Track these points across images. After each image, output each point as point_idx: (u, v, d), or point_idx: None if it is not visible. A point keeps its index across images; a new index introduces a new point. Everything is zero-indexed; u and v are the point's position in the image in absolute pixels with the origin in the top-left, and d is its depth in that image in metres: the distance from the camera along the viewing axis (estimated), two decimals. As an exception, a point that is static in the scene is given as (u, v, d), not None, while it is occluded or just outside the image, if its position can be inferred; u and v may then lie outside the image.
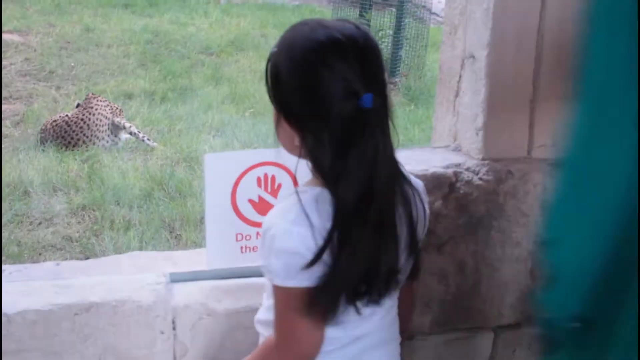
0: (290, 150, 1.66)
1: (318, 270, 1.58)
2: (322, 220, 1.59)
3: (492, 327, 2.48)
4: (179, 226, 4.89)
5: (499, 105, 2.31)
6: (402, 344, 1.87)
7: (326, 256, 1.58)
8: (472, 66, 2.33)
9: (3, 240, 4.64)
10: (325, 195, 1.60)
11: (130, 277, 2.32)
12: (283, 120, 1.63)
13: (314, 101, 1.59)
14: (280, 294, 1.63)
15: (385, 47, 8.72)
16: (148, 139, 6.69)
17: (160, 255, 2.60)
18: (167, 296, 2.23)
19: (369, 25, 8.69)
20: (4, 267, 2.45)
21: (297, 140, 1.62)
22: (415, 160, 2.32)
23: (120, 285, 2.25)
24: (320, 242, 1.58)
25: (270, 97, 1.65)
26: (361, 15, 8.71)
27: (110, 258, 2.60)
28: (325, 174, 1.61)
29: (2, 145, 6.67)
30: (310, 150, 1.61)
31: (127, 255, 2.57)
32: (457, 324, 2.44)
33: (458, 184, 2.29)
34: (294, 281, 1.60)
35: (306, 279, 1.59)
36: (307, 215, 1.58)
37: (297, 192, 1.62)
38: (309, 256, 1.57)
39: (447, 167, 2.30)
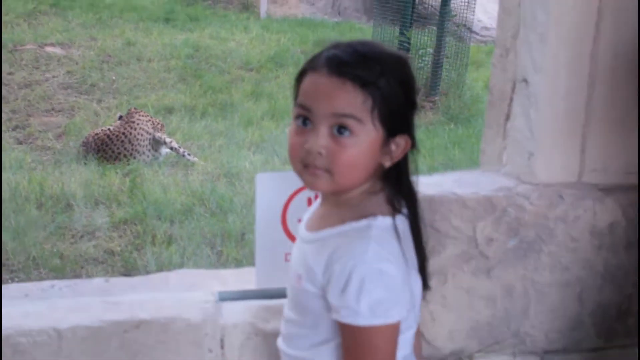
0: (361, 175, 1.65)
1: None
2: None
3: (539, 353, 2.46)
4: (220, 242, 4.90)
5: (550, 129, 2.30)
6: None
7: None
8: (524, 90, 2.33)
9: (46, 253, 4.68)
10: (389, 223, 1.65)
11: (179, 294, 2.33)
12: (379, 141, 1.62)
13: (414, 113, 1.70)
14: (381, 331, 1.63)
15: (425, 65, 8.72)
16: (189, 154, 6.73)
17: (208, 273, 2.62)
18: (216, 315, 2.25)
19: (409, 44, 8.70)
20: (53, 282, 2.48)
21: (385, 161, 1.65)
22: (465, 182, 2.32)
23: (170, 303, 2.27)
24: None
25: (373, 120, 1.60)
26: (401, 34, 8.70)
27: (158, 275, 2.62)
28: (409, 195, 1.68)
29: (45, 158, 6.75)
30: (402, 170, 1.67)
31: (174, 272, 2.58)
32: (505, 348, 2.43)
33: (509, 208, 2.28)
34: (400, 312, 1.64)
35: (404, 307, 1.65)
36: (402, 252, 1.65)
37: (393, 228, 1.66)
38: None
39: (498, 190, 2.29)
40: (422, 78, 8.71)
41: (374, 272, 1.58)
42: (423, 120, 8.10)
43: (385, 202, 1.69)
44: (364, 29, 11.63)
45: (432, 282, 2.14)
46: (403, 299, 1.64)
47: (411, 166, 1.73)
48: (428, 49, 8.70)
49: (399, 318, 1.62)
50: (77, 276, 4.45)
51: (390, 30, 8.94)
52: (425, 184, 2.27)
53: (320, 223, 1.74)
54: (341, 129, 1.59)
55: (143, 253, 4.74)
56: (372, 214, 1.65)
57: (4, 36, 10.18)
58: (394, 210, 1.68)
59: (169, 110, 8.09)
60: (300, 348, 1.78)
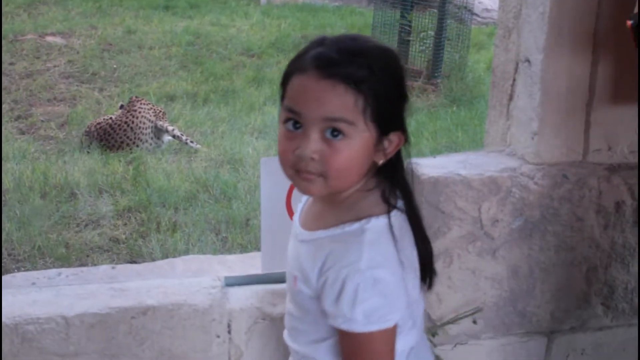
0: (355, 176, 1.63)
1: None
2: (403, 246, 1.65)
3: (545, 332, 2.47)
4: (225, 228, 4.90)
5: (554, 109, 2.30)
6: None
7: None
8: (527, 70, 2.33)
9: (51, 242, 4.69)
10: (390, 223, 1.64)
11: (185, 280, 2.34)
12: (373, 140, 1.59)
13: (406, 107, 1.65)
14: (379, 336, 1.62)
15: (426, 48, 8.70)
16: (191, 142, 6.73)
17: (215, 258, 2.62)
18: (222, 300, 2.25)
19: (410, 27, 8.67)
20: (60, 269, 2.49)
21: (379, 158, 1.63)
22: (470, 164, 2.32)
23: (176, 289, 2.27)
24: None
25: (365, 120, 1.57)
26: (402, 17, 8.67)
27: (165, 261, 2.63)
28: (404, 191, 1.66)
29: (48, 147, 6.75)
30: (395, 167, 1.66)
31: (181, 258, 2.59)
32: (511, 328, 2.43)
33: (513, 189, 2.28)
34: (396, 316, 1.62)
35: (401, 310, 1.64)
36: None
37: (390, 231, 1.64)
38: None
39: (502, 171, 2.29)
40: (424, 61, 8.69)
41: (368, 281, 1.56)
42: (425, 103, 8.09)
43: (380, 200, 1.67)
44: (364, 13, 11.60)
45: (438, 264, 2.15)
46: (399, 303, 1.62)
47: (404, 159, 1.71)
48: (429, 32, 8.67)
49: (395, 321, 1.61)
50: (83, 265, 4.46)
51: (391, 13, 8.91)
52: (430, 166, 2.28)
53: (314, 222, 1.70)
54: (334, 132, 1.54)
55: (148, 240, 4.74)
56: (366, 216, 1.62)
57: (4, 27, 10.17)
58: (389, 207, 1.66)
59: (171, 98, 8.08)
60: (300, 343, 1.76)
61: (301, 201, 1.84)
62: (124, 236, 4.86)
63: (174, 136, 6.86)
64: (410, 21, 8.67)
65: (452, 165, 2.29)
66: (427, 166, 2.24)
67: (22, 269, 4.38)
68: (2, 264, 4.45)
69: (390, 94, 1.58)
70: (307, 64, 1.57)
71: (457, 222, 2.26)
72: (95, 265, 4.40)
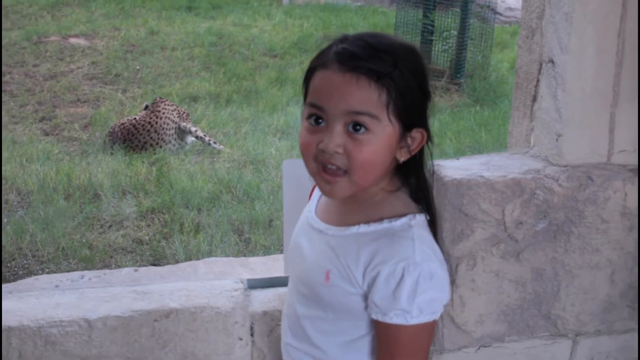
0: (378, 172, 1.62)
1: None
2: None
3: (570, 335, 2.44)
4: (248, 229, 4.91)
5: (578, 110, 2.27)
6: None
7: None
8: (551, 71, 2.30)
9: (75, 243, 4.71)
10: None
11: (208, 283, 2.34)
12: (396, 136, 1.60)
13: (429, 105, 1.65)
14: (427, 328, 1.64)
15: (449, 47, 8.67)
16: (214, 142, 6.74)
17: (237, 261, 2.62)
18: (245, 302, 2.25)
19: (432, 26, 8.65)
20: (83, 272, 2.50)
21: (401, 155, 1.62)
22: (494, 166, 2.30)
23: (199, 292, 2.27)
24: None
25: (388, 115, 1.57)
26: (425, 16, 8.66)
27: (187, 264, 2.63)
28: (426, 190, 1.66)
29: (71, 148, 6.78)
30: (420, 165, 1.65)
31: (203, 261, 2.59)
32: (535, 331, 2.41)
33: (537, 191, 2.26)
34: (442, 309, 1.67)
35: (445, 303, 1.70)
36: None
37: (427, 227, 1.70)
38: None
39: (526, 173, 2.27)
40: (447, 60, 8.66)
41: (426, 274, 1.58)
42: (449, 103, 8.07)
43: (410, 198, 1.67)
44: (387, 13, 11.58)
45: (462, 266, 2.14)
46: (446, 296, 1.65)
47: (426, 158, 1.71)
48: (452, 31, 8.64)
49: (440, 314, 1.64)
50: (107, 266, 4.48)
51: (413, 13, 8.89)
52: (453, 168, 2.26)
53: (343, 218, 1.69)
54: (357, 126, 1.54)
55: (171, 242, 4.75)
56: (406, 213, 1.63)
57: (28, 28, 10.25)
58: (420, 205, 1.67)
59: (194, 99, 8.11)
60: (330, 346, 1.75)
61: (314, 197, 1.84)
62: (147, 237, 4.87)
63: (197, 137, 6.87)
64: (432, 21, 8.66)
65: (475, 167, 2.27)
66: (450, 168, 2.23)
67: (47, 270, 4.41)
68: (27, 265, 4.48)
69: (413, 90, 1.58)
70: (330, 59, 1.57)
71: (481, 225, 2.24)
72: (118, 266, 4.42)
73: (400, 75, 1.55)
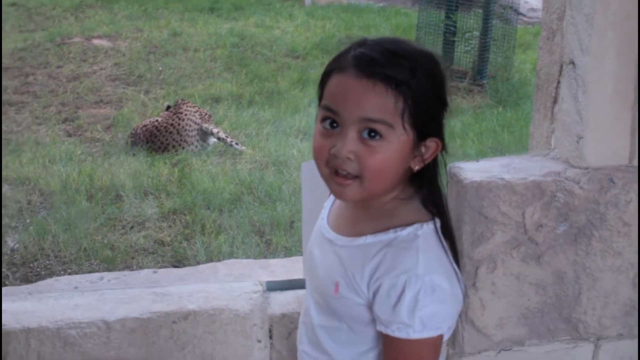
0: (390, 179, 1.61)
1: None
2: None
3: (592, 339, 2.42)
4: (269, 231, 4.90)
5: (599, 112, 2.25)
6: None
7: None
8: (572, 72, 2.28)
9: (97, 244, 4.72)
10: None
11: (227, 285, 2.34)
12: (410, 145, 1.58)
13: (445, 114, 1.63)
14: (430, 343, 1.61)
15: (472, 49, 8.64)
16: (236, 143, 6.75)
17: (257, 263, 2.63)
18: (264, 305, 2.25)
19: (455, 27, 8.62)
20: (102, 274, 2.51)
21: (415, 164, 1.60)
22: (514, 168, 2.28)
23: (218, 294, 2.27)
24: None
25: (403, 123, 1.56)
26: (447, 17, 8.62)
27: (207, 265, 2.64)
28: (439, 199, 1.64)
29: (94, 149, 6.81)
30: (434, 174, 1.63)
31: (223, 262, 2.59)
32: (556, 335, 2.39)
33: (558, 193, 2.24)
34: (448, 324, 1.64)
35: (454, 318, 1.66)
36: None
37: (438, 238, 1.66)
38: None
39: (547, 175, 2.25)
40: (469, 62, 8.63)
41: (427, 287, 1.55)
42: (471, 104, 8.03)
43: (422, 207, 1.65)
44: (409, 14, 11.54)
45: (482, 269, 2.12)
46: (453, 310, 1.62)
47: (440, 167, 1.69)
48: (474, 32, 8.60)
49: (447, 329, 1.60)
50: (128, 267, 4.49)
51: (435, 14, 8.86)
52: (473, 170, 2.24)
53: (353, 228, 1.68)
54: (371, 132, 1.53)
55: (193, 243, 4.76)
56: (414, 222, 1.61)
57: (52, 30, 10.30)
58: (432, 214, 1.65)
59: (216, 100, 8.12)
60: (343, 356, 1.73)
61: (328, 201, 1.82)
62: (168, 238, 4.88)
63: (219, 138, 6.89)
64: (455, 22, 8.62)
65: (495, 170, 2.25)
66: (470, 170, 2.21)
67: (69, 270, 4.43)
68: (50, 266, 4.50)
69: (430, 99, 1.56)
70: (348, 63, 1.55)
71: (501, 227, 2.22)
72: (140, 267, 4.43)
73: (417, 83, 1.54)
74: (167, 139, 6.81)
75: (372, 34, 10.27)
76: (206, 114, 7.20)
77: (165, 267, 4.46)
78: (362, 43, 1.59)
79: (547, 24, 2.41)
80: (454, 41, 8.67)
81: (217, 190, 5.54)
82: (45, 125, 7.42)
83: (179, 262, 4.52)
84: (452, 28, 8.60)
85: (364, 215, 1.67)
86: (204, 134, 6.99)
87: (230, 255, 4.48)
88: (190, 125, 6.92)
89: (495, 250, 2.25)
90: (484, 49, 8.51)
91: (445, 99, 1.63)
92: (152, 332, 2.17)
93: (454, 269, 1.64)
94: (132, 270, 4.39)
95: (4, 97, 8.09)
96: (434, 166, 1.65)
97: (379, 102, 1.52)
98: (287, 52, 9.89)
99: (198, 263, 4.32)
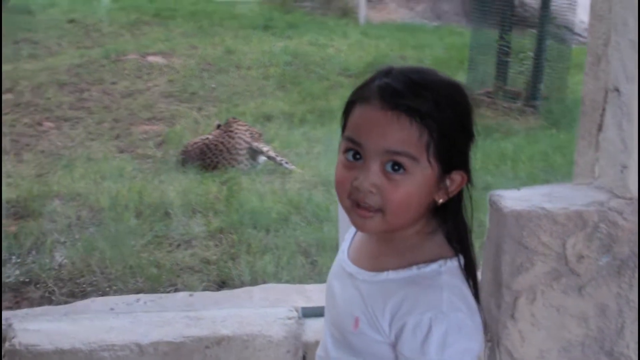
0: (413, 213, 1.57)
1: None
2: None
3: (636, 373, 2.35)
4: (315, 252, 4.87)
5: (645, 141, 2.20)
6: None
7: None
8: (617, 100, 2.23)
9: (143, 262, 4.74)
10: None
11: (262, 310, 2.32)
12: (434, 178, 1.55)
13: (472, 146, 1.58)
14: None
15: (525, 69, 8.55)
16: (286, 162, 6.75)
17: (293, 288, 2.61)
18: (298, 331, 2.22)
19: (508, 47, 8.54)
20: (139, 295, 2.50)
21: (439, 197, 1.57)
22: (556, 197, 2.23)
23: (252, 319, 2.26)
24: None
25: (428, 157, 1.52)
26: (501, 37, 8.55)
27: (243, 290, 2.62)
28: (464, 233, 1.60)
29: (145, 166, 6.86)
30: (458, 207, 1.59)
31: (259, 287, 2.58)
32: (599, 368, 2.33)
33: (601, 224, 2.18)
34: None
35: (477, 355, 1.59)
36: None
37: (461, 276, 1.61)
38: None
39: (589, 205, 2.19)
40: (523, 82, 8.54)
41: (454, 325, 1.50)
42: (523, 126, 7.95)
43: (446, 242, 1.61)
44: (463, 33, 11.45)
45: (521, 300, 2.07)
46: (480, 347, 1.58)
47: (465, 201, 1.64)
48: (528, 53, 8.52)
49: None
50: (173, 285, 4.49)
51: (489, 33, 8.79)
52: (513, 199, 2.20)
53: (374, 262, 1.63)
54: (395, 166, 1.50)
55: (238, 263, 4.75)
56: (438, 258, 1.57)
57: (108, 46, 10.43)
58: (456, 249, 1.60)
59: (268, 118, 8.13)
60: None
61: (349, 233, 1.79)
62: (214, 257, 4.88)
63: (268, 157, 6.90)
64: (508, 42, 8.55)
65: (536, 198, 2.20)
66: (510, 199, 2.17)
67: (114, 287, 4.45)
68: (95, 283, 4.52)
69: (455, 131, 1.52)
70: (372, 93, 1.52)
71: (541, 258, 2.17)
72: (184, 286, 4.43)
73: (442, 115, 1.50)
74: (217, 157, 6.84)
75: (426, 54, 10.27)
76: (256, 132, 7.21)
77: (210, 286, 4.46)
78: (387, 72, 1.55)
79: (593, 49, 2.36)
80: (507, 61, 8.60)
81: (264, 209, 5.53)
82: (98, 141, 7.50)
83: (223, 282, 4.51)
84: (505, 48, 8.53)
85: (387, 249, 1.63)
86: (254, 153, 7.00)
87: (275, 276, 4.47)
88: (240, 144, 6.94)
89: (535, 281, 2.20)
90: (537, 69, 8.41)
91: (472, 130, 1.59)
92: (185, 356, 2.16)
93: (477, 307, 1.59)
94: (176, 288, 4.40)
95: (59, 112, 8.22)
96: (458, 199, 1.61)
97: (403, 135, 1.49)
98: (340, 71, 9.89)
99: (242, 283, 4.31)
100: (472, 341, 1.55)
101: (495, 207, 2.17)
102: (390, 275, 1.59)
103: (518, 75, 8.61)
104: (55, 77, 9.22)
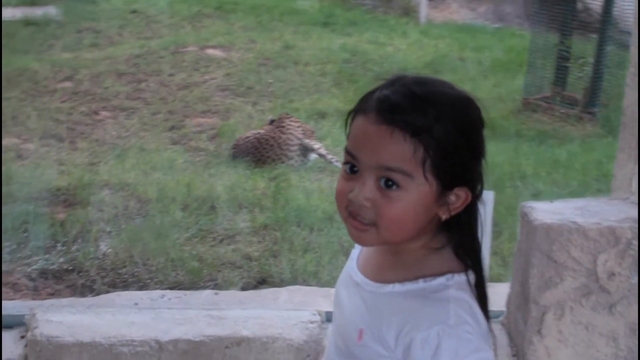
0: (410, 230, 1.52)
1: None
2: None
3: (666, 396, 2.29)
4: (356, 252, 4.83)
5: (684, 157, 2.13)
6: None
7: None
8: (657, 113, 2.17)
9: (185, 255, 4.75)
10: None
11: (285, 312, 2.30)
12: (433, 194, 1.50)
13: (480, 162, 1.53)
14: None
15: (585, 75, 8.39)
16: (337, 161, 6.72)
17: (320, 291, 2.58)
18: (319, 336, 2.20)
19: (568, 52, 8.39)
20: (164, 291, 2.50)
21: (443, 213, 1.52)
22: (589, 211, 2.18)
23: (274, 321, 2.24)
24: None
25: (424, 173, 1.47)
26: (561, 42, 8.41)
27: (269, 290, 2.60)
28: (473, 249, 1.54)
29: (197, 159, 6.89)
30: (466, 223, 1.54)
31: (286, 288, 2.56)
32: (628, 389, 2.27)
33: (634, 241, 2.12)
34: None
35: None
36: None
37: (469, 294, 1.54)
38: None
39: (623, 221, 2.14)
40: (581, 88, 8.39)
41: (463, 338, 1.46)
42: (580, 133, 7.82)
43: (454, 256, 1.56)
44: (524, 36, 11.29)
45: (548, 315, 2.03)
46: (491, 355, 1.53)
47: (477, 215, 1.58)
48: (588, 58, 8.36)
49: None
50: (213, 280, 4.49)
51: (549, 37, 8.65)
52: (545, 211, 2.15)
53: (381, 273, 1.59)
54: (388, 182, 1.46)
55: (279, 260, 4.73)
56: (445, 272, 1.52)
57: (168, 38, 10.50)
58: (465, 265, 1.55)
59: (322, 115, 8.10)
60: None
61: (357, 247, 1.75)
62: (256, 254, 4.87)
63: (319, 154, 6.87)
64: (569, 47, 8.39)
65: (568, 212, 2.15)
66: (541, 211, 2.12)
67: (155, 279, 4.46)
68: (137, 274, 4.55)
69: (457, 147, 1.47)
70: (371, 105, 1.49)
71: (571, 273, 2.13)
72: (224, 281, 4.43)
73: (442, 130, 1.45)
74: (268, 152, 6.83)
75: (485, 56, 10.16)
76: (309, 129, 7.19)
77: (249, 282, 4.45)
78: (392, 83, 1.51)
79: (635, 60, 2.30)
80: (567, 66, 8.45)
81: (310, 207, 5.50)
82: (152, 132, 7.53)
83: (263, 279, 4.50)
84: (565, 53, 8.38)
85: (393, 261, 1.59)
86: (305, 150, 6.98)
87: (315, 275, 4.45)
88: (291, 140, 6.93)
89: (563, 296, 2.16)
90: (597, 75, 8.25)
91: (479, 146, 1.53)
92: (204, 355, 2.15)
93: (485, 321, 1.54)
94: (216, 283, 4.40)
95: (116, 102, 8.29)
96: (467, 214, 1.56)
97: (396, 151, 1.45)
98: (397, 70, 9.80)
99: (282, 281, 4.29)
100: (483, 351, 1.50)
101: (526, 219, 2.12)
102: (396, 287, 1.55)
103: (577, 81, 8.45)
104: (115, 66, 9.29)
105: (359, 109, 1.52)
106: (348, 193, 1.50)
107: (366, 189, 1.47)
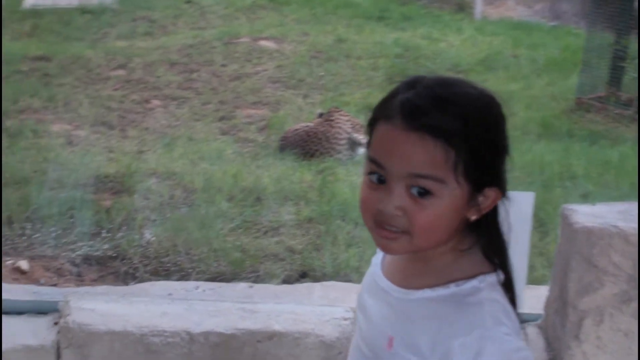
0: (442, 235, 1.49)
1: None
2: None
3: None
4: (398, 247, 4.80)
5: None
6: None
7: None
8: None
9: (228, 245, 4.75)
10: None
11: (318, 308, 2.28)
12: (465, 197, 1.46)
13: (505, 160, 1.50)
14: None
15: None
16: (384, 155, 6.68)
17: (355, 287, 2.55)
18: (352, 333, 2.16)
19: (624, 52, 8.25)
20: (198, 283, 2.49)
21: (472, 214, 1.48)
22: (632, 215, 2.12)
23: (307, 317, 2.22)
24: None
25: (456, 177, 1.44)
26: (617, 42, 8.27)
27: (304, 285, 2.59)
28: (501, 248, 1.51)
29: (245, 150, 6.90)
30: (494, 222, 1.51)
31: (321, 284, 2.54)
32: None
33: (677, 247, 2.07)
34: None
35: None
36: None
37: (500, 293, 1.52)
38: None
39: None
40: (637, 89, 8.24)
41: (504, 340, 1.42)
42: (634, 134, 7.67)
43: (483, 257, 1.52)
44: (580, 34, 11.13)
45: (587, 321, 1.99)
46: (531, 354, 1.49)
47: (501, 214, 1.54)
48: (644, 59, 8.21)
49: None
50: (255, 271, 4.49)
51: (605, 36, 8.51)
52: (586, 214, 2.10)
53: (409, 279, 1.55)
54: (421, 190, 1.42)
55: (322, 254, 4.71)
56: (477, 274, 1.49)
57: (222, 29, 10.53)
58: (494, 265, 1.51)
59: (372, 109, 8.05)
60: None
61: (379, 252, 1.71)
62: (300, 247, 4.85)
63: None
64: (625, 47, 8.25)
65: (610, 216, 2.10)
66: (583, 214, 2.07)
67: (197, 269, 4.47)
68: (179, 263, 4.56)
69: (486, 148, 1.43)
70: (394, 110, 1.44)
71: (611, 279, 2.07)
72: (266, 273, 4.43)
73: (471, 132, 1.41)
74: (316, 146, 6.82)
75: (539, 54, 10.02)
76: (358, 123, 7.16)
77: (291, 275, 4.44)
78: (412, 85, 1.46)
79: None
80: (622, 66, 8.30)
81: (355, 202, 5.40)
82: (202, 122, 7.56)
83: (304, 272, 4.48)
84: (621, 52, 8.23)
85: (422, 267, 1.55)
86: (353, 144, 6.96)
87: (357, 270, 4.42)
88: (340, 134, 6.91)
89: (603, 302, 2.11)
90: (654, 76, 8.10)
91: (504, 144, 1.49)
92: (235, 349, 2.13)
93: (517, 319, 1.50)
94: (258, 275, 4.40)
95: (167, 91, 8.33)
96: (493, 214, 1.52)
97: (427, 157, 1.41)
98: (450, 66, 9.71)
99: (324, 275, 4.28)
100: (523, 349, 1.47)
101: (566, 222, 2.08)
102: (427, 293, 1.51)
103: (632, 82, 8.29)
104: (167, 56, 9.34)
105: (381, 115, 1.47)
106: (376, 203, 1.46)
107: (397, 198, 1.43)
